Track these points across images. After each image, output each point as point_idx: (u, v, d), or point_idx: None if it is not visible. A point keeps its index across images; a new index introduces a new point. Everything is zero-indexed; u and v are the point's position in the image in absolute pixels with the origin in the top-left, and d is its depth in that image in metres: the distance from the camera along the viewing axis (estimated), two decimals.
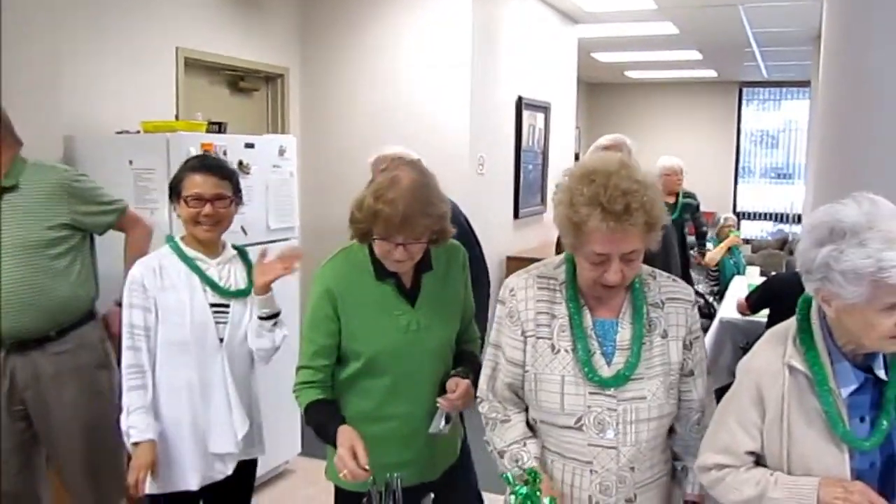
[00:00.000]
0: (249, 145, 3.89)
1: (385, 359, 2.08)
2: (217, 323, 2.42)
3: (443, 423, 2.07)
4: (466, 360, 2.21)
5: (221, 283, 2.44)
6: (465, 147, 5.30)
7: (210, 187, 2.42)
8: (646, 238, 1.68)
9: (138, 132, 3.77)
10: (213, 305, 2.42)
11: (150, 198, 3.59)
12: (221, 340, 2.43)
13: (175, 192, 2.44)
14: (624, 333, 1.80)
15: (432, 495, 1.72)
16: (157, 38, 4.46)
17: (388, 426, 2.11)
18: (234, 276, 2.49)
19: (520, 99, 6.17)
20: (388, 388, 2.10)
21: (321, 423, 2.04)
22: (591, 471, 1.78)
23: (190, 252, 2.44)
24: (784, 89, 12.56)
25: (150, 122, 3.77)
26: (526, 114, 6.29)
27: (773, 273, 5.54)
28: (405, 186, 1.94)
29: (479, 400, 1.96)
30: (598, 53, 9.55)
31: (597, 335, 1.80)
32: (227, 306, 2.44)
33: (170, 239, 2.49)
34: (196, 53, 4.76)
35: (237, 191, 2.51)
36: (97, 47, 4.06)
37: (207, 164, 2.49)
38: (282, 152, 4.10)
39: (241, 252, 2.58)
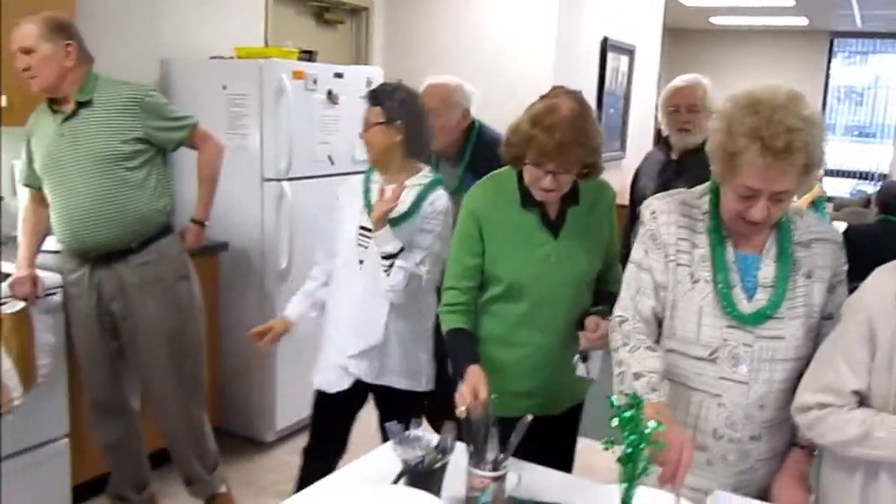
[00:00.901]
0: (338, 75, 3.92)
1: (523, 286, 2.10)
2: (360, 245, 2.50)
3: (591, 366, 2.07)
4: (606, 301, 2.11)
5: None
6: (548, 87, 5.20)
7: (364, 113, 2.52)
8: (801, 180, 1.62)
9: (232, 58, 3.83)
10: (363, 228, 2.50)
11: (242, 123, 3.67)
12: (361, 262, 2.50)
13: None
14: (767, 270, 1.75)
15: (530, 417, 1.73)
16: None
17: (518, 353, 2.14)
18: (401, 204, 2.45)
19: (605, 40, 6.05)
20: (522, 315, 2.12)
21: (457, 354, 2.08)
22: (718, 404, 1.76)
23: (374, 177, 2.56)
24: (877, 41, 12.01)
25: (243, 48, 3.83)
26: (610, 56, 6.17)
27: (852, 225, 5.39)
28: (563, 115, 1.93)
29: (619, 319, 1.88)
30: None
31: (739, 269, 1.76)
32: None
33: (371, 167, 2.60)
34: None
35: (392, 118, 2.46)
36: None
37: (370, 89, 2.58)
38: (369, 84, 4.11)
39: (431, 182, 2.52)
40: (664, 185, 3.30)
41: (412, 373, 2.58)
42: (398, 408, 2.44)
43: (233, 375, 3.89)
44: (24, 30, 2.69)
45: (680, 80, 3.46)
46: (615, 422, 1.41)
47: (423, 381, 2.60)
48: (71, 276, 2.89)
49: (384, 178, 2.53)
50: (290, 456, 3.82)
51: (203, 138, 3.02)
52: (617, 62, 6.36)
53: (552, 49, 5.20)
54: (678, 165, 3.34)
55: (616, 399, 1.45)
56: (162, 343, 2.94)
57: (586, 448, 2.37)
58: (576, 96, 2.00)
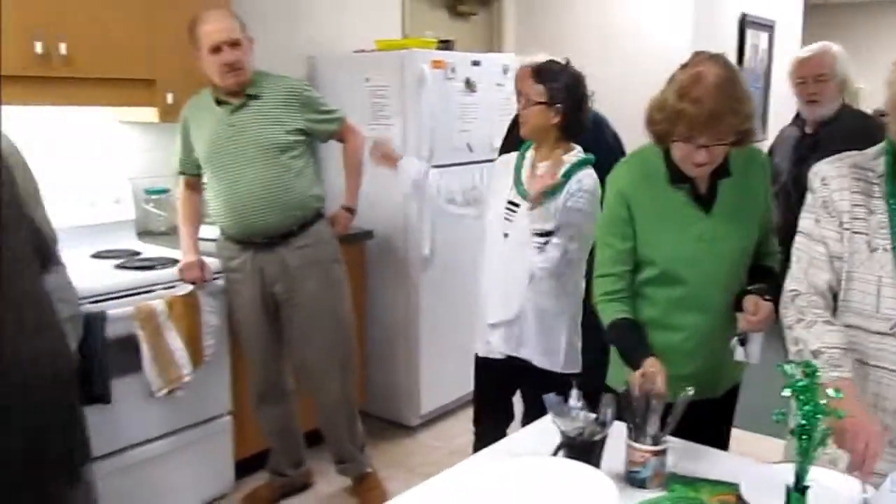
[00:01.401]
0: (476, 63, 3.96)
1: (678, 268, 2.00)
2: (505, 219, 2.53)
3: (751, 350, 1.98)
4: (765, 277, 2.06)
5: (525, 184, 2.51)
6: None
7: (524, 87, 2.55)
8: None
9: (373, 51, 3.95)
10: (510, 202, 2.53)
11: (384, 114, 3.77)
12: (506, 236, 2.53)
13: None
14: None
15: (691, 391, 1.70)
16: None
17: (675, 336, 2.04)
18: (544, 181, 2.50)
19: (743, 17, 5.83)
20: (676, 297, 2.02)
21: (626, 346, 1.99)
22: None
23: (528, 154, 2.59)
24: None
25: (384, 41, 3.94)
26: (749, 33, 5.94)
27: None
28: (711, 83, 1.81)
29: (791, 294, 1.82)
30: None
31: None
32: (519, 206, 2.50)
33: (528, 142, 2.63)
34: None
35: (553, 99, 2.48)
36: None
37: (533, 66, 2.58)
38: (505, 71, 4.15)
39: (580, 162, 2.53)
40: (799, 162, 3.17)
41: (549, 350, 2.57)
42: (535, 384, 2.46)
43: (378, 361, 4.01)
44: (228, 24, 2.85)
45: (806, 51, 3.31)
46: (787, 392, 1.36)
47: (560, 361, 2.57)
48: (233, 261, 3.03)
49: (536, 155, 2.56)
50: (435, 440, 3.91)
51: (349, 130, 3.18)
52: (756, 39, 6.11)
53: (689, 27, 5.06)
54: (813, 140, 3.19)
55: (790, 368, 1.39)
56: (322, 321, 3.06)
57: (735, 439, 2.31)
58: (721, 60, 1.88)
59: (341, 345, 3.14)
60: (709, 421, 2.14)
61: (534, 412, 2.19)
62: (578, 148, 2.56)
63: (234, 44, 2.83)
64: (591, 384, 2.00)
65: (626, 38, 5.20)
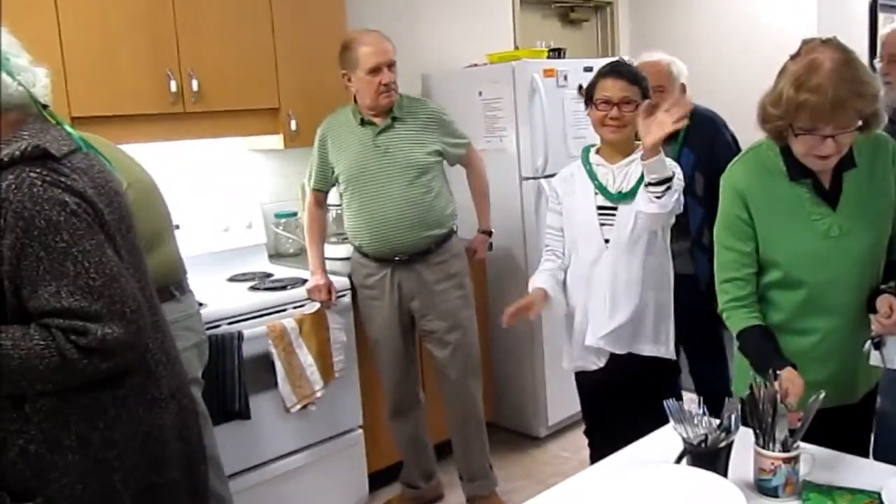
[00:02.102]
0: (588, 69, 3.92)
1: (803, 268, 1.91)
2: (602, 225, 2.52)
3: (889, 354, 1.84)
4: None
5: (612, 188, 2.51)
6: None
7: (618, 90, 2.48)
8: None
9: (485, 64, 3.99)
10: (600, 208, 2.52)
11: (498, 126, 3.81)
12: (607, 241, 2.51)
13: (588, 96, 2.57)
14: None
15: (822, 394, 1.63)
16: None
17: (805, 341, 1.94)
18: (630, 177, 2.50)
19: (874, 2, 5.51)
20: (802, 300, 1.92)
21: (761, 358, 1.88)
22: None
23: (594, 158, 2.58)
24: None
25: (495, 54, 3.98)
26: (882, 17, 5.60)
27: None
28: (829, 68, 1.70)
29: None
30: None
31: None
32: (616, 209, 2.50)
33: (585, 149, 2.63)
34: None
35: (646, 96, 2.51)
36: None
37: (618, 69, 2.55)
38: None
39: None
40: None
41: (664, 340, 2.58)
42: (652, 377, 2.49)
43: (504, 372, 4.02)
44: (386, 46, 2.96)
45: (891, 26, 3.05)
46: None
47: (671, 349, 2.59)
48: (370, 279, 3.10)
49: (607, 156, 2.54)
50: (564, 451, 3.89)
51: (474, 154, 3.28)
52: (891, 22, 5.76)
53: (813, 16, 4.84)
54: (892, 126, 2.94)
55: None
56: (458, 335, 3.11)
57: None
58: (834, 43, 1.77)
59: (473, 357, 3.19)
60: (848, 427, 2.02)
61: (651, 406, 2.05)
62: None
63: (391, 65, 2.95)
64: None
65: (745, 33, 5.03)
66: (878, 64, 2.98)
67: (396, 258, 3.03)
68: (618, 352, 2.56)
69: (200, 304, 2.84)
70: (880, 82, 1.80)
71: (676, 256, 2.84)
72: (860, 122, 1.76)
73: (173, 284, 2.41)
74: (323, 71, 3.45)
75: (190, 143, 3.39)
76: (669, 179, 2.30)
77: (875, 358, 1.87)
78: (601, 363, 2.59)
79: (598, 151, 2.58)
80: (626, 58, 2.71)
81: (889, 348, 1.85)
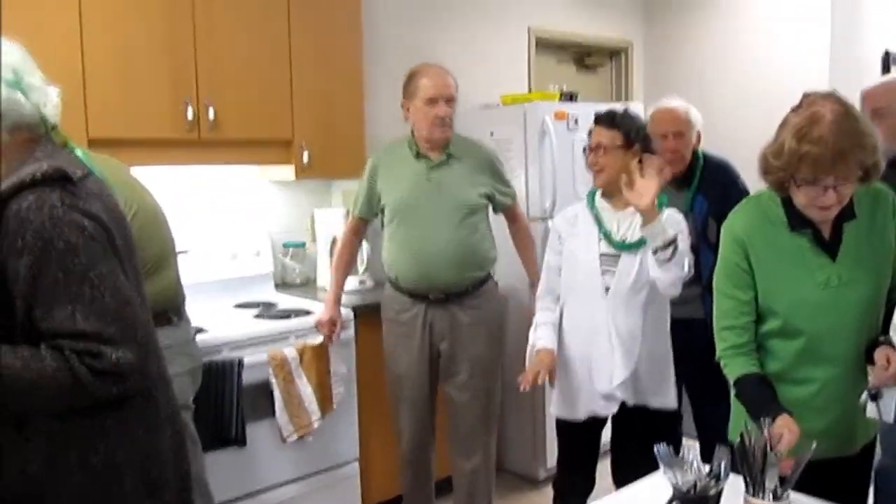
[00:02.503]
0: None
1: (803, 317, 1.91)
2: (604, 272, 2.51)
3: (885, 406, 1.82)
4: None
5: (617, 235, 2.51)
6: None
7: (594, 136, 2.54)
8: None
9: (498, 105, 4.05)
10: (603, 255, 2.52)
11: (509, 166, 3.82)
12: (608, 290, 2.50)
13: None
14: None
15: (814, 444, 1.62)
16: (512, 19, 4.73)
17: (803, 391, 1.94)
18: (635, 226, 2.48)
19: (887, 54, 5.56)
20: (802, 349, 1.92)
21: (757, 405, 1.88)
22: None
23: (600, 203, 2.58)
24: None
25: (508, 95, 4.03)
26: (894, 68, 5.65)
27: None
28: (830, 120, 1.74)
29: None
30: None
31: None
32: (618, 257, 2.50)
33: (591, 192, 2.63)
34: (545, 32, 4.97)
35: (630, 142, 2.51)
36: (460, 34, 4.42)
37: (601, 114, 2.59)
38: None
39: (659, 200, 2.53)
40: None
41: (665, 391, 2.57)
42: (650, 429, 2.44)
43: (505, 414, 4.00)
44: (448, 80, 2.98)
45: (871, 81, 3.04)
46: None
47: (672, 399, 2.59)
48: (402, 314, 3.03)
49: (610, 203, 2.54)
50: None
51: (518, 208, 3.27)
52: None
53: (825, 68, 4.88)
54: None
55: None
56: (482, 381, 3.05)
57: None
58: (833, 97, 1.81)
59: (493, 405, 3.12)
60: (846, 479, 2.02)
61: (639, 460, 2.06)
62: None
63: (449, 100, 2.94)
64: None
65: (759, 82, 5.07)
66: None
67: (432, 296, 2.97)
68: (628, 401, 2.54)
69: (202, 330, 2.88)
70: (879, 134, 1.82)
71: (688, 302, 2.85)
72: (861, 173, 1.79)
73: (172, 310, 2.44)
74: (337, 106, 3.52)
75: (203, 169, 3.44)
76: (673, 241, 2.32)
77: (871, 410, 1.86)
78: (614, 409, 2.56)
79: (603, 195, 2.59)
80: (618, 107, 2.71)
81: (885, 401, 1.84)
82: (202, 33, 3.09)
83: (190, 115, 3.06)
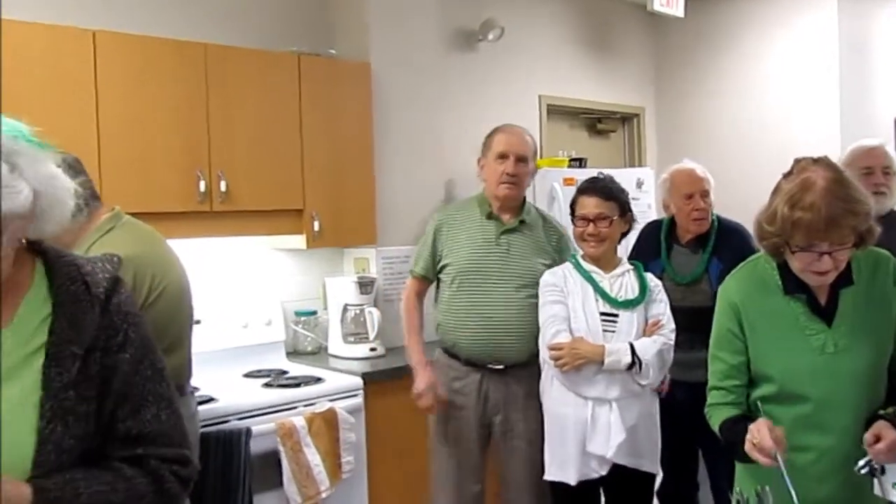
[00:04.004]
0: None
1: (798, 383, 1.89)
2: (605, 331, 2.54)
3: (887, 483, 1.77)
4: None
5: (612, 294, 2.58)
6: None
7: (593, 207, 2.60)
8: None
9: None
10: (603, 314, 2.57)
11: None
12: None
13: (571, 212, 2.70)
14: None
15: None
16: (522, 87, 4.84)
17: (801, 457, 1.87)
18: (625, 287, 2.61)
19: None
20: (800, 416, 1.88)
21: (738, 437, 1.86)
22: None
23: (586, 265, 2.65)
24: None
25: None
26: None
27: None
28: (822, 186, 1.75)
29: None
30: None
31: None
32: (617, 315, 2.56)
33: (572, 256, 2.71)
34: (556, 100, 5.06)
35: (624, 211, 2.63)
36: (470, 101, 4.52)
37: (593, 185, 2.66)
38: (640, 185, 4.18)
39: (637, 266, 2.71)
40: None
41: (653, 453, 2.61)
42: (635, 492, 2.53)
43: None
44: (523, 140, 2.92)
45: (868, 141, 3.12)
46: None
47: (658, 464, 2.62)
48: (456, 382, 2.91)
49: (599, 266, 2.63)
50: None
51: None
52: None
53: (837, 132, 4.91)
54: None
55: None
56: (531, 458, 2.83)
57: None
58: (825, 162, 1.82)
59: (541, 484, 2.81)
60: None
61: None
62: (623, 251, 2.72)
63: (521, 159, 2.87)
64: None
65: (770, 145, 5.10)
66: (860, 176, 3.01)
67: (490, 365, 2.85)
68: (622, 463, 2.53)
69: (211, 399, 2.90)
70: (871, 199, 1.83)
71: (700, 366, 2.83)
72: (856, 239, 1.79)
73: (179, 386, 2.45)
74: (347, 176, 3.60)
75: (216, 239, 3.50)
76: (632, 364, 2.47)
77: (877, 487, 1.81)
78: (604, 472, 2.55)
79: (585, 259, 2.67)
80: (604, 172, 2.80)
81: (888, 477, 1.78)
82: (215, 108, 3.18)
83: (202, 187, 3.13)
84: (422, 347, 2.99)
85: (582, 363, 2.51)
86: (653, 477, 2.66)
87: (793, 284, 1.90)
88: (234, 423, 2.86)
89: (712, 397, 2.02)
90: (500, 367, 2.84)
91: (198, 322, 3.19)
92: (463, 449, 2.91)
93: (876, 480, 1.80)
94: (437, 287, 3.03)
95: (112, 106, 2.93)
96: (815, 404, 1.88)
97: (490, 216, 2.91)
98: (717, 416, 1.99)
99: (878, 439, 1.77)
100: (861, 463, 1.78)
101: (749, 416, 1.94)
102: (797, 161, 1.86)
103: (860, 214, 1.77)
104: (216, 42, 3.28)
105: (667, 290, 2.75)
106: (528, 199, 3.80)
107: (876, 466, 1.78)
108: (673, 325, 2.60)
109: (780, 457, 1.69)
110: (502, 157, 2.86)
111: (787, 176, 1.86)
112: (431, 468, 3.04)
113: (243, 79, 3.27)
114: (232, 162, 3.23)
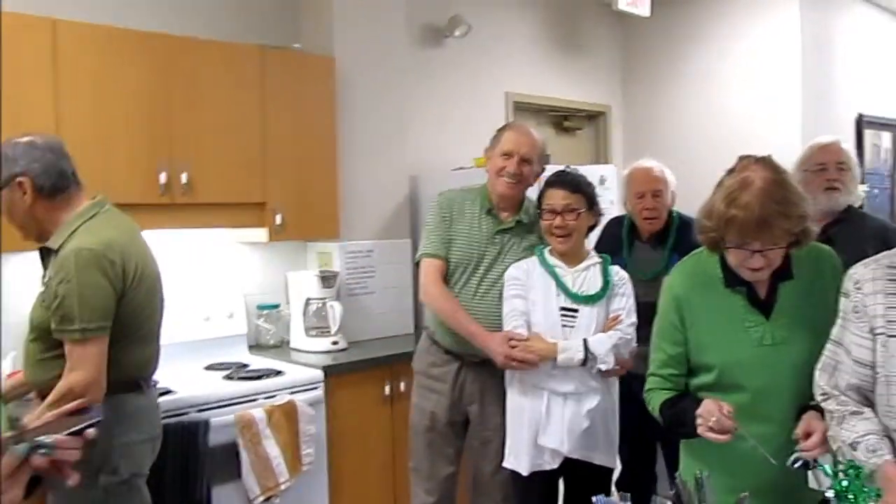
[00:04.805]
0: None
1: (737, 374, 1.94)
2: (564, 326, 2.55)
3: (821, 475, 1.78)
4: None
5: (574, 289, 2.57)
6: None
7: (560, 199, 2.60)
8: None
9: (471, 167, 4.12)
10: (563, 309, 2.57)
11: None
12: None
13: (539, 205, 2.69)
14: None
15: (746, 495, 1.62)
16: (489, 84, 4.87)
17: (740, 447, 1.89)
18: (588, 282, 2.59)
19: (860, 117, 5.69)
20: (738, 406, 1.88)
21: (676, 417, 1.93)
22: None
23: (551, 260, 2.63)
24: None
25: (481, 158, 4.07)
26: (868, 133, 5.78)
27: None
28: (759, 187, 1.79)
29: (823, 397, 1.77)
30: None
31: None
32: (577, 310, 2.56)
33: (539, 250, 2.69)
34: (523, 97, 5.09)
35: (592, 204, 2.63)
36: (436, 97, 4.55)
37: (560, 178, 2.67)
38: (602, 181, 4.20)
39: (604, 259, 2.67)
40: None
41: (610, 448, 2.62)
42: (592, 484, 2.48)
43: None
44: (529, 140, 2.85)
45: (822, 138, 3.12)
46: (830, 493, 1.30)
47: (615, 458, 2.64)
48: (435, 368, 2.92)
49: (564, 261, 2.61)
50: None
51: None
52: (877, 138, 5.93)
53: (798, 131, 4.99)
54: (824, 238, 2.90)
55: (830, 468, 1.33)
56: (501, 449, 2.79)
57: None
58: (768, 163, 1.86)
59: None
60: None
61: None
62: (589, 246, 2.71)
63: (525, 159, 2.82)
64: None
65: (734, 143, 5.05)
66: (813, 172, 3.00)
67: (469, 357, 2.84)
68: (575, 457, 2.56)
69: (170, 391, 2.89)
70: (809, 203, 1.87)
71: None
72: (791, 239, 1.84)
73: (143, 378, 2.45)
74: (311, 170, 3.60)
75: (176, 232, 3.48)
76: (586, 359, 2.47)
77: (811, 480, 1.86)
78: (556, 464, 2.57)
79: (551, 253, 2.65)
80: (571, 167, 2.78)
81: (819, 470, 1.81)
82: (177, 100, 3.17)
83: (163, 179, 3.12)
84: (471, 319, 2.77)
85: (534, 360, 2.52)
86: (609, 470, 2.67)
87: (733, 278, 1.95)
88: (193, 416, 2.85)
89: (650, 383, 2.09)
90: (478, 360, 2.83)
91: None
92: (436, 432, 2.93)
93: (810, 473, 1.84)
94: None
95: (72, 96, 2.91)
96: (752, 394, 1.93)
97: (489, 212, 2.89)
98: (655, 399, 2.05)
99: (808, 434, 1.81)
100: (792, 458, 1.82)
101: (686, 393, 2.02)
102: (741, 158, 1.90)
103: (793, 217, 1.81)
104: (180, 34, 3.27)
105: None
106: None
107: (809, 459, 1.81)
108: (633, 319, 2.58)
109: (744, 433, 1.77)
110: (507, 155, 2.84)
111: (730, 173, 1.89)
112: (410, 448, 3.05)
113: (207, 71, 3.27)
114: (194, 154, 3.22)
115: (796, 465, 1.82)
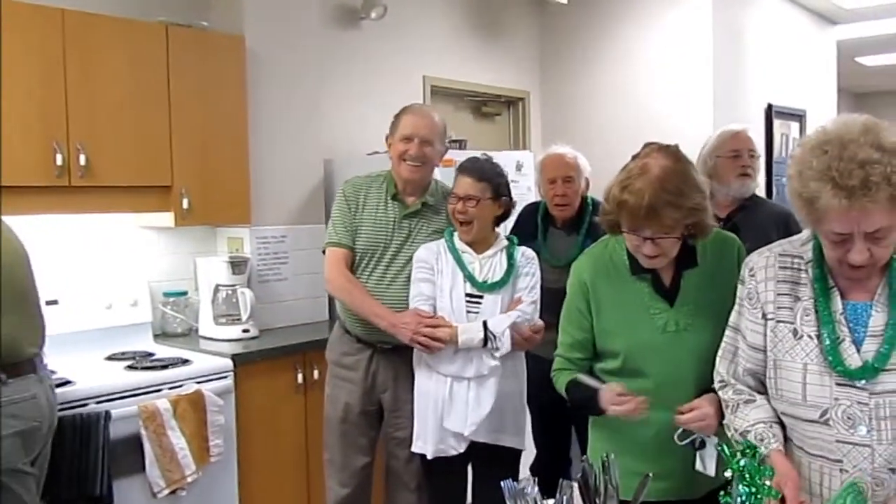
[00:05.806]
0: None
1: (641, 360, 1.95)
2: (468, 312, 2.54)
3: (707, 458, 1.84)
4: None
5: (479, 277, 2.57)
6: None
7: (463, 187, 2.58)
8: (894, 213, 1.44)
9: (386, 152, 4.05)
10: (469, 296, 2.56)
11: None
12: None
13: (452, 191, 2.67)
14: (878, 318, 1.56)
15: (651, 475, 1.63)
16: (406, 68, 4.80)
17: (642, 431, 1.94)
18: (494, 268, 2.58)
19: (770, 107, 5.85)
20: (642, 392, 1.90)
21: (583, 399, 1.96)
22: (840, 470, 1.57)
23: (459, 245, 2.62)
24: None
25: None
26: (777, 122, 5.94)
27: None
28: (655, 175, 1.80)
29: (720, 384, 1.79)
30: (865, 57, 8.78)
31: (847, 320, 1.57)
32: (481, 297, 2.56)
33: (448, 232, 2.67)
34: (441, 81, 5.05)
35: (498, 194, 2.61)
36: (352, 80, 4.47)
37: (471, 165, 2.65)
38: (519, 167, 4.21)
39: (511, 241, 2.66)
40: None
41: (518, 431, 2.64)
42: (500, 467, 2.44)
43: None
44: (429, 122, 2.83)
45: (733, 126, 3.22)
46: (728, 473, 1.31)
47: (524, 439, 2.67)
48: (346, 358, 2.89)
49: (473, 247, 2.61)
50: None
51: None
52: (786, 128, 6.10)
53: (710, 120, 5.09)
54: (729, 225, 2.84)
55: (727, 448, 1.34)
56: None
57: None
58: (670, 151, 1.87)
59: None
60: None
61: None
62: (499, 231, 2.70)
63: (426, 142, 2.78)
64: None
65: (648, 131, 5.17)
66: (728, 159, 3.07)
67: (380, 344, 2.81)
68: (481, 440, 2.55)
69: (68, 382, 2.76)
70: (706, 197, 1.89)
71: None
72: (684, 230, 1.86)
73: (29, 361, 2.31)
74: (219, 152, 3.48)
75: (77, 216, 3.32)
76: (486, 340, 2.47)
77: (698, 463, 1.89)
78: (461, 449, 2.57)
79: (461, 238, 2.64)
80: (484, 154, 2.79)
81: (708, 451, 1.86)
82: (73, 77, 3.02)
83: (59, 161, 2.96)
84: (376, 302, 2.74)
85: (443, 338, 2.50)
86: (518, 452, 2.67)
87: (639, 266, 1.96)
88: (93, 407, 2.73)
89: (557, 363, 2.11)
90: (389, 347, 2.79)
91: (55, 302, 3.10)
92: (350, 423, 2.89)
93: (697, 456, 1.88)
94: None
95: None
96: (655, 380, 1.95)
97: (395, 197, 2.84)
98: (561, 378, 2.07)
99: (689, 409, 1.85)
100: (679, 432, 1.85)
101: (591, 373, 2.04)
102: (646, 145, 1.91)
103: (683, 209, 1.82)
104: (76, 8, 3.10)
105: (542, 272, 2.74)
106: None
107: (696, 440, 1.85)
108: (534, 298, 2.59)
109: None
110: (407, 139, 2.80)
111: (634, 157, 1.90)
112: (325, 445, 3.00)
113: (105, 48, 3.11)
114: (93, 134, 3.06)
115: (682, 443, 1.86)
